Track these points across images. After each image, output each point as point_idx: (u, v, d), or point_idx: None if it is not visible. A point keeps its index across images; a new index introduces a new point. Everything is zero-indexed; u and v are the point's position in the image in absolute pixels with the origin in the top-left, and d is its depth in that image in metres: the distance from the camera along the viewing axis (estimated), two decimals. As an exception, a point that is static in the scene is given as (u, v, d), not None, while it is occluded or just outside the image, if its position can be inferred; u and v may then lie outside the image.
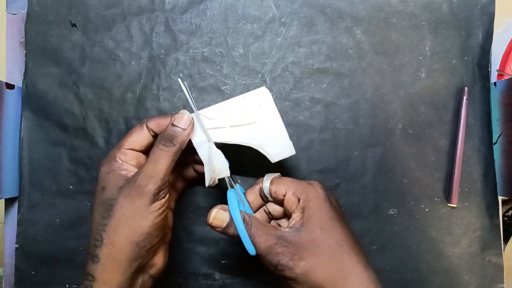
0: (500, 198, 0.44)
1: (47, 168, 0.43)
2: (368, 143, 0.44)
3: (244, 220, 0.32)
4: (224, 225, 0.33)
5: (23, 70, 0.44)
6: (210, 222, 0.33)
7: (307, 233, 0.32)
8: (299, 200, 0.34)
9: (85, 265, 0.31)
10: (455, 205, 0.43)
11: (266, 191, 0.36)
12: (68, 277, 0.43)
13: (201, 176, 0.40)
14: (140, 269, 0.32)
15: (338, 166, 0.44)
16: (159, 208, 0.32)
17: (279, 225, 0.38)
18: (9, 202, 0.44)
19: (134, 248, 0.30)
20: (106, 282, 0.30)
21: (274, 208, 0.37)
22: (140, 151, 0.35)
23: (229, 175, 0.35)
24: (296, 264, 0.30)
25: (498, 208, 0.44)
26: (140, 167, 0.32)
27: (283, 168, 0.43)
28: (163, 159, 0.32)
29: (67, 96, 0.43)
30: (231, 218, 0.32)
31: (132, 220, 0.30)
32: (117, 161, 0.34)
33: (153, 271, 0.34)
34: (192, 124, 0.34)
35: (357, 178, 0.44)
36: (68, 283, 0.43)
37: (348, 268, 0.31)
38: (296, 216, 0.33)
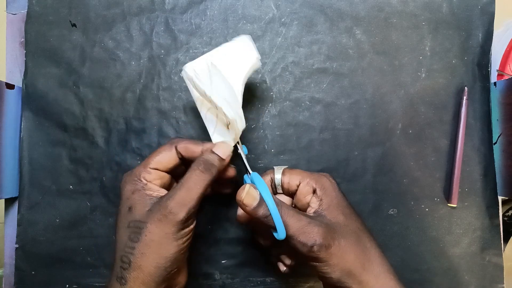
0: (500, 198, 0.44)
1: (47, 168, 0.43)
2: (368, 143, 0.44)
3: (274, 201, 0.31)
4: (255, 204, 0.31)
5: (23, 70, 0.44)
6: (242, 198, 0.31)
7: (332, 217, 0.32)
8: (314, 190, 0.34)
9: (109, 285, 0.31)
10: (455, 205, 0.43)
11: (277, 182, 0.36)
12: (68, 277, 0.43)
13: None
14: None
15: (338, 166, 0.44)
16: (187, 234, 0.32)
17: None
18: (9, 202, 0.44)
19: (161, 273, 0.30)
20: None
21: (283, 199, 0.37)
22: (164, 171, 0.35)
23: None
24: (331, 243, 0.30)
25: (498, 208, 0.44)
26: (171, 190, 0.32)
27: (283, 168, 0.43)
28: (197, 187, 0.31)
29: (67, 96, 0.43)
30: (261, 198, 0.31)
31: (160, 246, 0.30)
32: (141, 181, 0.33)
33: None
34: (229, 157, 0.34)
35: (357, 178, 0.44)
36: (68, 283, 0.43)
37: (370, 252, 0.32)
38: (314, 205, 0.33)
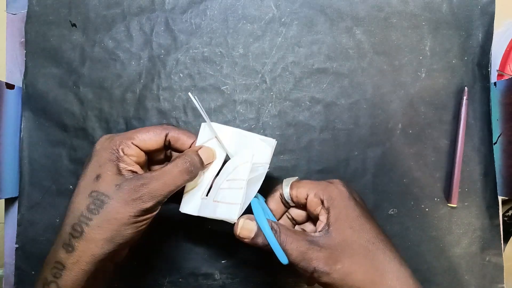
0: (500, 198, 0.44)
1: (47, 168, 0.43)
2: (368, 143, 0.44)
3: (272, 228, 0.31)
4: (252, 235, 0.31)
5: (23, 70, 0.44)
6: (238, 233, 0.31)
7: (337, 234, 0.31)
8: (322, 202, 0.33)
9: (52, 250, 0.31)
10: (455, 205, 0.43)
11: (287, 197, 0.34)
12: (68, 277, 0.43)
13: None
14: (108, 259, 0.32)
15: (338, 166, 0.44)
16: (148, 218, 0.31)
17: (304, 230, 0.36)
18: (9, 202, 0.44)
19: (113, 247, 0.30)
20: (77, 272, 0.30)
21: (297, 213, 0.36)
22: (144, 151, 0.34)
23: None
24: (332, 268, 0.29)
25: (498, 208, 0.44)
26: (146, 174, 0.31)
27: (283, 168, 0.43)
28: (174, 183, 0.31)
29: (67, 96, 0.43)
30: (258, 228, 0.31)
31: (119, 225, 0.30)
32: (119, 152, 0.32)
33: (118, 259, 0.34)
34: (211, 164, 0.34)
35: (357, 178, 0.44)
36: (68, 283, 0.43)
37: (383, 266, 0.30)
38: (323, 218, 0.32)
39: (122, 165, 0.32)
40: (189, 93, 0.33)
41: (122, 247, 0.31)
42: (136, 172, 0.32)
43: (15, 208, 0.44)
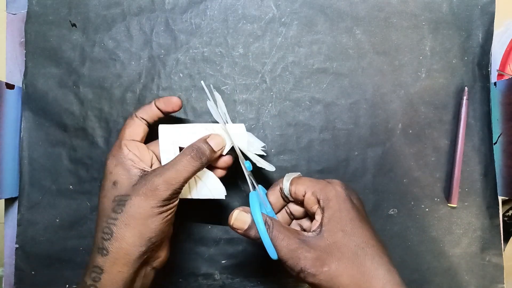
0: (500, 198, 0.44)
1: (47, 168, 0.43)
2: (368, 143, 0.44)
3: (265, 223, 0.31)
4: (246, 227, 0.32)
5: (23, 70, 0.44)
6: (231, 223, 0.32)
7: (329, 235, 0.31)
8: (318, 201, 0.33)
9: (90, 258, 0.32)
10: (455, 205, 0.43)
11: (286, 192, 0.35)
12: (68, 277, 0.43)
13: None
14: (145, 262, 0.33)
15: (338, 166, 0.44)
16: (170, 210, 0.33)
17: (301, 226, 0.37)
18: (9, 202, 0.44)
19: (144, 243, 0.31)
20: (115, 274, 0.31)
21: (295, 208, 0.37)
22: (139, 141, 0.36)
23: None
24: (319, 270, 0.30)
25: (498, 208, 0.44)
26: (158, 168, 0.33)
27: (284, 168, 0.43)
28: (186, 171, 0.33)
29: (67, 96, 0.43)
30: (252, 221, 0.32)
31: (144, 218, 0.31)
32: (123, 151, 0.34)
33: (156, 263, 0.35)
34: (223, 149, 0.36)
35: (357, 178, 0.44)
36: (68, 283, 0.43)
37: (370, 271, 0.30)
38: (318, 218, 0.32)
39: (129, 162, 0.34)
40: (202, 82, 0.36)
41: (155, 244, 0.32)
42: (145, 170, 0.34)
43: (15, 208, 0.44)
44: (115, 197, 0.32)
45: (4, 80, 0.43)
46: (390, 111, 0.44)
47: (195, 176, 0.35)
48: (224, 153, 0.37)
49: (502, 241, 0.44)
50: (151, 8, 0.44)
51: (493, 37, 0.44)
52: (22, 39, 0.44)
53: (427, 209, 0.44)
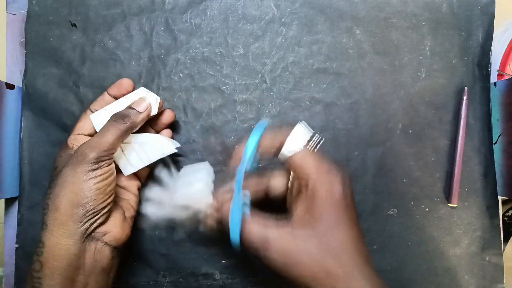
0: (500, 198, 0.44)
1: (47, 168, 0.43)
2: (368, 143, 0.44)
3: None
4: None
5: (23, 70, 0.44)
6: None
7: (304, 232, 0.30)
8: (307, 185, 0.31)
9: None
10: (455, 205, 0.43)
11: (285, 155, 0.33)
12: (68, 277, 0.43)
13: None
14: (89, 235, 0.33)
15: (338, 166, 0.44)
16: (101, 175, 0.33)
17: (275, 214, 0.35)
18: (9, 202, 0.44)
19: (78, 211, 0.32)
20: (54, 246, 0.31)
21: (276, 185, 0.36)
22: (89, 135, 0.38)
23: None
24: (289, 269, 0.30)
25: (498, 208, 0.44)
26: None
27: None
28: (109, 133, 0.34)
29: (67, 96, 0.43)
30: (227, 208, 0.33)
31: (74, 185, 0.32)
32: (69, 147, 0.36)
33: (107, 238, 0.34)
34: (148, 110, 0.37)
35: (357, 178, 0.44)
36: (68, 283, 0.43)
37: (339, 276, 0.29)
38: (299, 211, 0.32)
39: (72, 146, 0.37)
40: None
41: (90, 213, 0.32)
42: None
43: (15, 208, 0.44)
44: (52, 176, 0.34)
45: (4, 80, 0.43)
46: (390, 111, 0.44)
47: (140, 143, 0.37)
48: (153, 113, 0.38)
49: (502, 241, 0.44)
50: (151, 8, 0.44)
51: (493, 37, 0.44)
52: (22, 39, 0.44)
53: (427, 209, 0.44)
